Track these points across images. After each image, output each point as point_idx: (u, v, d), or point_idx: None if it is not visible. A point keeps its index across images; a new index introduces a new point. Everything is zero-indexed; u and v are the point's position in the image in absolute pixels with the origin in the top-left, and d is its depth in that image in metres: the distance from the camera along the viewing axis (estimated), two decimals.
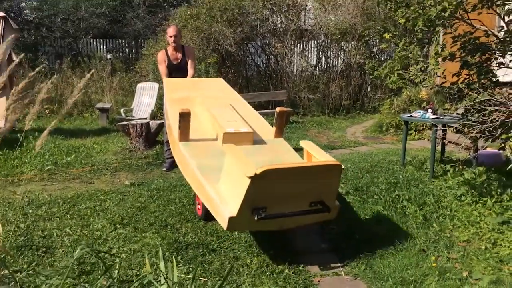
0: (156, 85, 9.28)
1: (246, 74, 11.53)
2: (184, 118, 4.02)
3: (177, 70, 5.84)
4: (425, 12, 3.56)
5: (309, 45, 12.12)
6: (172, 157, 5.70)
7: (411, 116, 5.76)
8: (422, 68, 7.31)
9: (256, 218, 3.19)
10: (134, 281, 2.15)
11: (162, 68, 5.87)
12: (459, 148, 5.99)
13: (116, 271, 2.96)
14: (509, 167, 4.91)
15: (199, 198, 4.18)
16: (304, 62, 11.74)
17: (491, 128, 3.94)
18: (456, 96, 4.32)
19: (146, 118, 8.21)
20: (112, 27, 15.12)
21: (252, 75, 11.71)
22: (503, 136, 4.16)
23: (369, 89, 11.81)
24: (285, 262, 3.51)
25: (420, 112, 5.60)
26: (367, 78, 11.60)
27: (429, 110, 5.59)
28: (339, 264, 3.54)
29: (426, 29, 3.80)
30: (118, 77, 11.72)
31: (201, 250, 3.69)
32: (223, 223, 3.28)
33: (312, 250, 3.85)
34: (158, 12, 14.66)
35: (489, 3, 3.74)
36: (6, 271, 1.52)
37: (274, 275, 3.34)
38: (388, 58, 12.29)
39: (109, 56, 13.58)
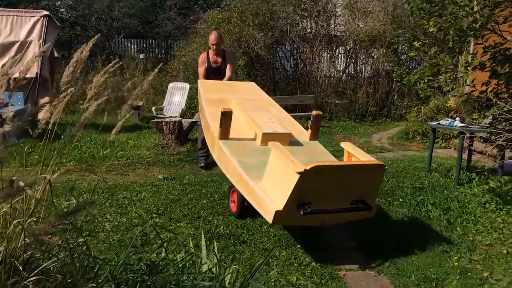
0: (187, 85, 9.57)
1: (274, 78, 11.72)
2: (226, 117, 4.21)
3: (216, 73, 6.02)
4: (457, 22, 3.69)
5: (338, 51, 12.25)
6: (207, 154, 5.98)
7: (439, 123, 5.86)
8: (452, 77, 7.40)
9: (302, 213, 3.33)
10: (179, 259, 2.36)
11: (201, 70, 6.06)
12: (485, 157, 6.06)
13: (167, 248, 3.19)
14: None
15: (234, 195, 4.41)
16: (332, 68, 11.87)
17: None
18: (484, 105, 4.42)
19: (176, 117, 8.49)
20: (144, 28, 15.56)
21: (280, 78, 11.90)
22: None
23: (396, 97, 11.86)
24: (313, 256, 3.69)
25: (448, 120, 5.69)
26: (395, 86, 11.65)
27: (457, 119, 5.69)
28: (364, 261, 3.70)
29: (457, 39, 3.93)
30: (149, 76, 12.06)
31: (232, 241, 3.89)
32: (269, 217, 3.42)
33: (340, 246, 4.01)
34: (189, 14, 15.03)
35: None
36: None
37: (302, 267, 3.52)
38: (417, 66, 12.32)
39: (141, 56, 13.99)
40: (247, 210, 4.26)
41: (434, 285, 3.31)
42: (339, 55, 12.40)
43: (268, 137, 4.18)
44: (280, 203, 3.35)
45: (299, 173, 3.15)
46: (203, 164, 6.18)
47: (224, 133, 4.29)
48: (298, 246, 3.88)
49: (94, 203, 2.39)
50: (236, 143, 4.31)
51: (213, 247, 2.62)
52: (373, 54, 11.86)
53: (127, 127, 9.18)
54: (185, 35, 13.60)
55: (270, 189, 3.55)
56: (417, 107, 9.99)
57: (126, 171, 6.02)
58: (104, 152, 6.72)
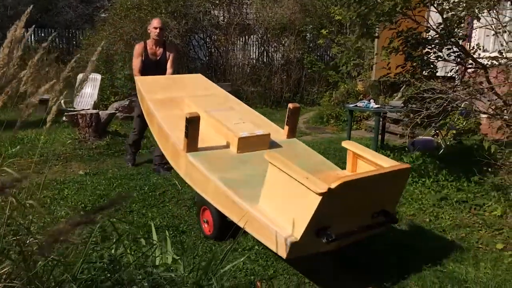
0: (98, 76, 9.08)
1: (189, 67, 11.55)
2: (193, 124, 3.50)
3: (155, 67, 5.28)
4: (378, 7, 3.92)
5: (251, 39, 12.38)
6: (135, 152, 5.75)
7: (356, 105, 6.19)
8: (370, 63, 7.82)
9: (325, 240, 2.75)
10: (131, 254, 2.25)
11: (137, 63, 5.27)
12: (398, 136, 6.55)
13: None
14: (441, 151, 5.49)
15: (206, 214, 3.71)
16: (246, 56, 11.98)
17: (431, 115, 4.41)
18: (400, 85, 4.75)
19: (89, 109, 8.03)
20: (42, 16, 14.42)
21: (195, 67, 11.76)
22: (440, 123, 4.66)
23: (306, 83, 12.29)
24: (255, 240, 3.72)
25: (364, 102, 6.04)
26: (306, 72, 12.07)
27: (372, 101, 6.06)
28: None
29: (377, 24, 4.17)
30: (54, 67, 11.26)
31: (171, 232, 3.80)
32: (281, 250, 2.78)
33: None
34: (92, 2, 14.23)
35: (431, 1, 4.18)
36: None
37: (246, 251, 3.54)
38: (324, 53, 12.88)
39: (42, 46, 12.96)
40: (226, 230, 3.43)
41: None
42: (253, 43, 12.54)
43: (245, 142, 3.68)
44: (296, 232, 2.71)
45: (322, 194, 2.54)
46: (129, 165, 5.74)
47: (192, 144, 3.59)
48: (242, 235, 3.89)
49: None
50: (208, 154, 3.63)
51: (166, 239, 2.54)
52: (283, 42, 12.15)
53: (33, 122, 8.49)
54: (89, 24, 12.85)
55: (274, 213, 2.92)
56: (329, 92, 10.47)
57: (41, 169, 5.58)
58: (13, 150, 6.16)
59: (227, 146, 3.76)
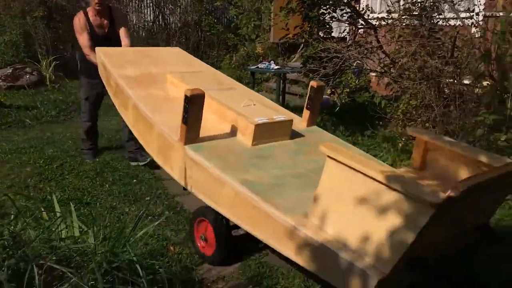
0: None
1: None
2: (196, 105, 2.60)
3: (104, 41, 4.21)
4: None
5: (146, 1, 11.80)
6: (95, 147, 4.75)
7: (257, 67, 6.27)
8: (259, 25, 7.88)
9: (418, 274, 1.92)
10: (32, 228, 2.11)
11: (84, 40, 4.23)
12: (298, 96, 6.79)
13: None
14: (337, 109, 5.83)
15: (204, 228, 2.84)
16: (140, 18, 11.43)
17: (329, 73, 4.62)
18: (298, 46, 4.88)
19: None
20: None
21: None
22: (336, 82, 4.92)
23: (205, 47, 12.12)
24: (164, 205, 3.69)
25: (265, 64, 6.14)
26: (204, 35, 11.88)
27: (272, 62, 6.17)
28: None
29: None
30: None
31: (74, 205, 3.60)
32: None
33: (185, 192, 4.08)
34: None
35: None
36: None
37: (156, 217, 3.50)
38: (222, 15, 12.74)
39: None
40: (232, 249, 2.83)
41: None
42: (147, 4, 11.97)
43: (262, 131, 2.85)
44: (384, 262, 1.85)
45: (437, 205, 1.69)
46: (89, 161, 4.64)
47: (193, 132, 2.70)
48: (147, 198, 3.82)
49: None
50: (215, 146, 2.76)
51: (70, 211, 2.41)
52: (180, 4, 11.78)
53: None
54: None
55: (337, 232, 2.02)
56: (229, 55, 10.46)
57: None
58: None
59: (237, 136, 2.91)
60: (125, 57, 3.78)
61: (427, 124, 4.36)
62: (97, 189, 3.94)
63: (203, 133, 2.78)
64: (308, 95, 3.25)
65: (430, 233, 1.81)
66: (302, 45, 5.02)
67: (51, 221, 2.16)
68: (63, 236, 2.19)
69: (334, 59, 4.26)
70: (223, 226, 2.72)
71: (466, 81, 4.54)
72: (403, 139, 4.62)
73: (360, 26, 5.34)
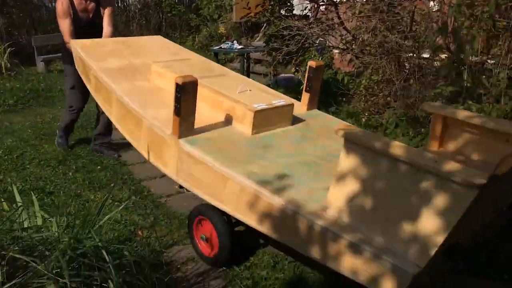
0: None
1: (32, 16, 10.30)
2: (188, 93, 2.37)
3: (89, 27, 3.97)
4: None
5: None
6: (105, 142, 4.41)
7: (220, 48, 6.21)
8: (221, 4, 7.78)
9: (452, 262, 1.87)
10: None
11: (66, 25, 3.89)
12: (262, 76, 6.78)
13: None
14: (301, 87, 5.86)
15: (206, 227, 2.63)
16: None
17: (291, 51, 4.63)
18: (261, 26, 4.85)
19: None
20: None
21: (41, 16, 10.53)
22: (300, 59, 4.94)
23: (167, 28, 11.89)
24: (130, 191, 3.65)
25: (228, 44, 6.08)
26: (166, 17, 11.64)
27: (235, 42, 6.12)
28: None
29: None
30: None
31: (37, 195, 3.52)
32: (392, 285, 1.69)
33: (151, 177, 4.04)
34: None
35: None
36: None
37: (122, 203, 3.46)
38: None
39: None
40: (236, 247, 2.60)
41: None
42: None
43: (262, 118, 2.64)
44: (420, 255, 1.65)
45: (480, 186, 1.50)
46: (60, 149, 4.46)
47: (187, 124, 2.47)
48: (112, 185, 3.77)
49: None
50: (212, 138, 2.54)
51: (32, 201, 2.35)
52: None
53: None
54: None
55: (360, 224, 1.82)
56: (191, 36, 10.30)
57: None
58: None
59: (235, 125, 2.69)
60: (104, 49, 3.51)
61: (388, 98, 4.45)
62: (60, 178, 3.86)
63: (197, 124, 2.56)
64: (306, 76, 3.03)
65: (466, 218, 1.61)
66: (265, 23, 4.99)
67: (12, 211, 2.10)
68: (25, 226, 2.14)
69: (296, 37, 4.26)
70: (226, 224, 2.50)
71: (425, 55, 4.64)
72: (366, 114, 4.70)
73: (321, 3, 5.34)
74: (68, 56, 3.99)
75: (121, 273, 1.82)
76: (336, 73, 5.38)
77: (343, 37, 4.93)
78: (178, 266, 2.68)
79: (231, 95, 2.75)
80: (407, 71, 4.57)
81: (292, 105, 2.82)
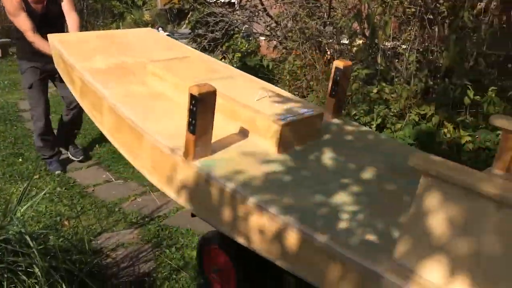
0: None
1: None
2: (206, 106, 1.91)
3: (43, 21, 3.36)
4: None
5: None
6: (55, 154, 3.80)
7: None
8: None
9: None
10: None
11: (24, 21, 3.28)
12: None
13: None
14: None
15: (223, 260, 2.22)
16: None
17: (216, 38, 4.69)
18: (187, 13, 4.86)
19: None
20: None
21: None
22: (225, 46, 5.01)
23: (89, 16, 11.44)
24: (55, 182, 3.56)
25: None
26: (87, 4, 11.18)
27: (160, 29, 6.06)
28: (109, 174, 3.80)
29: None
30: None
31: None
32: None
33: (79, 166, 3.94)
34: None
35: None
36: None
37: (47, 195, 3.37)
38: None
39: None
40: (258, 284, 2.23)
41: None
42: None
43: (290, 133, 2.15)
44: None
45: None
46: (59, 172, 3.76)
47: (204, 143, 1.99)
48: (36, 177, 3.65)
49: None
50: (231, 159, 2.03)
51: None
52: None
53: None
54: None
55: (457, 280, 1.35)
56: (115, 24, 9.99)
57: None
58: None
59: (255, 141, 2.18)
60: (88, 45, 3.03)
61: (311, 82, 4.66)
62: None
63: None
64: (332, 78, 2.51)
65: None
66: (189, 10, 4.99)
67: None
68: None
69: (220, 23, 4.32)
70: (243, 256, 2.09)
71: (344, 41, 4.89)
72: None
73: None
74: (22, 52, 3.54)
75: (47, 258, 1.82)
76: (262, 59, 5.52)
77: (267, 24, 5.07)
78: (108, 252, 2.68)
79: (249, 104, 2.24)
80: (328, 56, 4.80)
81: (322, 114, 2.34)
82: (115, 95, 2.46)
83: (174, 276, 2.47)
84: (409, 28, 4.32)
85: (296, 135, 2.18)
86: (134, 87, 2.62)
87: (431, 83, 4.06)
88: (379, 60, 4.16)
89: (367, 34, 4.27)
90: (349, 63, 2.54)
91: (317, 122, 2.31)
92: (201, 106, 1.86)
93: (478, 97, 3.69)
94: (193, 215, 2.24)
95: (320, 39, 4.57)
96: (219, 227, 1.96)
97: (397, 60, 4.39)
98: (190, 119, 1.90)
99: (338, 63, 2.50)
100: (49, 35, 3.12)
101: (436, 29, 4.26)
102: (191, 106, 1.87)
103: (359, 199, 1.83)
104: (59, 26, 3.54)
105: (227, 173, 1.89)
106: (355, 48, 4.54)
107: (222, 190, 1.85)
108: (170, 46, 3.31)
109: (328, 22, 4.56)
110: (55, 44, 3.00)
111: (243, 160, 2.03)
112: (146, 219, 3.04)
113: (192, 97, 1.86)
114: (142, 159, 2.28)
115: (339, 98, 2.56)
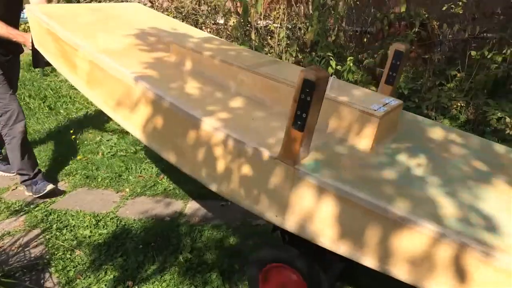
0: None
1: None
2: (320, 93, 1.49)
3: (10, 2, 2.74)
4: None
5: None
6: (36, 173, 3.06)
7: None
8: None
9: None
10: None
11: None
12: None
13: None
14: None
15: (288, 277, 1.87)
16: None
17: None
18: None
19: None
20: None
21: None
22: None
23: None
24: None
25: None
26: None
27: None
28: None
29: None
30: None
31: None
32: None
33: None
34: None
35: None
36: None
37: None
38: None
39: None
40: None
41: None
42: None
43: (385, 126, 1.82)
44: None
45: None
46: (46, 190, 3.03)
47: (308, 142, 1.58)
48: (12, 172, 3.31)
49: None
50: (329, 159, 1.65)
51: None
52: None
53: None
54: None
55: None
56: None
57: None
58: None
59: (343, 136, 1.83)
60: (82, 19, 2.52)
61: None
62: None
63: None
64: (390, 62, 2.13)
65: None
66: None
67: None
68: None
69: None
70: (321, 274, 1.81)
71: (220, 20, 5.08)
72: None
73: None
74: None
75: None
76: None
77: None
78: None
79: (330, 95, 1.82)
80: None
81: (401, 104, 1.97)
82: (155, 86, 1.94)
83: (69, 256, 2.48)
84: (278, 7, 4.66)
85: (387, 129, 1.88)
86: (165, 72, 2.14)
87: (300, 56, 4.44)
88: (253, 37, 4.44)
89: (240, 12, 4.51)
90: (408, 46, 2.15)
91: (397, 113, 1.98)
92: (317, 95, 1.47)
93: (339, 66, 4.15)
94: (274, 230, 1.88)
95: (196, 18, 4.69)
96: (332, 246, 1.54)
97: (270, 37, 4.71)
98: (299, 112, 1.48)
99: (399, 46, 2.09)
100: (28, 6, 2.58)
101: (302, 7, 4.65)
102: (303, 96, 1.46)
103: (482, 192, 1.60)
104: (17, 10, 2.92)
105: (338, 179, 1.52)
106: (230, 27, 4.76)
107: (339, 201, 1.48)
108: (173, 25, 2.86)
109: (203, 1, 4.69)
110: (40, 17, 2.42)
111: (341, 160, 1.67)
112: (32, 206, 2.96)
113: (306, 83, 1.45)
114: (200, 162, 1.83)
115: (394, 85, 2.17)
